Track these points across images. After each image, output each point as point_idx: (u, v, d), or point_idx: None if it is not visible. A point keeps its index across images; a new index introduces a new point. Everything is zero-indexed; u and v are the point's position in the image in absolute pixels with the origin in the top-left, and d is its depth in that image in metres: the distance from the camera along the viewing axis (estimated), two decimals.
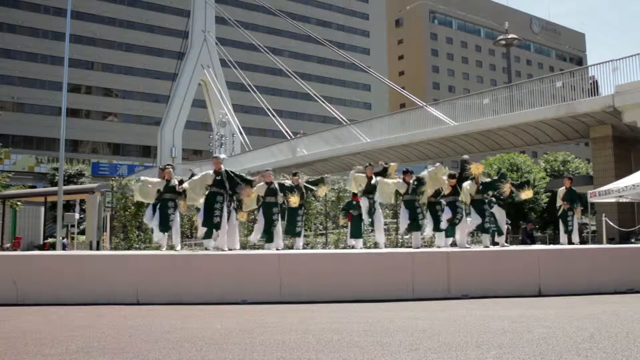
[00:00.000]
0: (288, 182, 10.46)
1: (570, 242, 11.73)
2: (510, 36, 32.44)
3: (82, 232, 23.50)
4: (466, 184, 10.01)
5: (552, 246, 12.35)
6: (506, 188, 10.09)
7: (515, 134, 24.68)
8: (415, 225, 10.11)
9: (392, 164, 10.80)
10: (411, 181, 10.16)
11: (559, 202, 12.11)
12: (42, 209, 24.87)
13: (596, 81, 21.10)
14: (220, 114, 42.46)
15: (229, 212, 9.38)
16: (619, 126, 21.04)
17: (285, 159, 34.55)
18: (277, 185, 9.87)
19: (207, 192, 9.26)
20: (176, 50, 49.76)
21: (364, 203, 10.24)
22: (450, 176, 10.07)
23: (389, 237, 13.21)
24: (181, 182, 9.57)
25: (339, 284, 7.70)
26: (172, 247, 9.69)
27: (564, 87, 22.16)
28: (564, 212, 11.93)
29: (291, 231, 10.37)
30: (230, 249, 9.23)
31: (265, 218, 9.57)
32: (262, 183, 9.73)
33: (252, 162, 37.26)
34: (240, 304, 7.30)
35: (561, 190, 12.20)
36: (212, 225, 9.09)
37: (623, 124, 20.43)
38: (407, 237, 13.12)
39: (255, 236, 10.01)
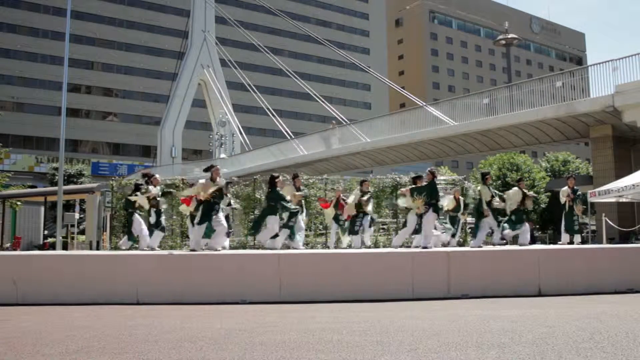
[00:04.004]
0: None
1: (571, 242, 11.70)
2: (510, 36, 32.40)
3: (82, 232, 23.49)
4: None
5: (552, 246, 12.34)
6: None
7: (515, 134, 24.66)
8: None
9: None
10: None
11: (563, 199, 11.99)
12: (42, 208, 24.84)
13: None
14: (220, 113, 42.47)
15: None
16: (619, 126, 21.02)
17: (285, 158, 34.55)
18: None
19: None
20: (176, 50, 49.73)
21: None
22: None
23: (389, 237, 13.22)
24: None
25: (339, 284, 7.70)
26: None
27: (563, 87, 22.14)
28: (570, 212, 11.79)
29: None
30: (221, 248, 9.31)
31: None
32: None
33: (252, 162, 37.29)
34: (240, 303, 7.30)
35: (565, 191, 12.08)
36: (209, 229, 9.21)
37: (623, 123, 20.41)
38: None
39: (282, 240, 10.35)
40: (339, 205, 11.65)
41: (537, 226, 32.33)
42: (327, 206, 11.74)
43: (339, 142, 31.77)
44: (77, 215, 21.22)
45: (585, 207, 12.49)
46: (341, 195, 11.97)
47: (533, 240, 20.66)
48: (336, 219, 11.77)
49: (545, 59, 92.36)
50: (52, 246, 21.22)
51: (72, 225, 22.23)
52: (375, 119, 33.57)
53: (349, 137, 31.09)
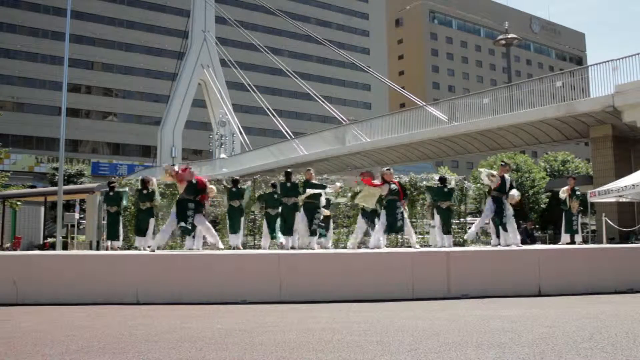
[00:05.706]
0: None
1: (572, 242, 11.75)
2: (510, 36, 32.35)
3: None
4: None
5: (552, 246, 12.36)
6: None
7: (515, 133, 24.66)
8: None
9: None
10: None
11: (563, 196, 12.17)
12: (42, 208, 24.81)
13: None
14: (220, 113, 42.48)
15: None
16: (619, 126, 21.03)
17: (285, 158, 34.55)
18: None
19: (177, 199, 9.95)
20: (176, 50, 49.77)
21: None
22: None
23: (389, 237, 13.20)
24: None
25: (339, 284, 7.70)
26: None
27: (563, 87, 22.13)
28: (569, 213, 11.95)
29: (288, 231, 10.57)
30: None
31: (391, 216, 9.38)
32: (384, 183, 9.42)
33: (252, 162, 37.30)
34: (240, 304, 7.30)
35: (565, 189, 12.26)
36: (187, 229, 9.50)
37: (623, 123, 20.41)
38: (406, 237, 13.15)
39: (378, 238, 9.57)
40: (400, 193, 9.47)
41: (537, 226, 32.31)
42: (376, 185, 9.39)
43: (339, 142, 31.78)
44: (77, 215, 21.19)
45: (582, 208, 12.54)
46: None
47: (533, 240, 20.67)
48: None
49: (545, 59, 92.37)
50: (52, 246, 21.21)
51: (72, 226, 22.22)
52: (375, 119, 33.58)
53: (348, 137, 31.10)
